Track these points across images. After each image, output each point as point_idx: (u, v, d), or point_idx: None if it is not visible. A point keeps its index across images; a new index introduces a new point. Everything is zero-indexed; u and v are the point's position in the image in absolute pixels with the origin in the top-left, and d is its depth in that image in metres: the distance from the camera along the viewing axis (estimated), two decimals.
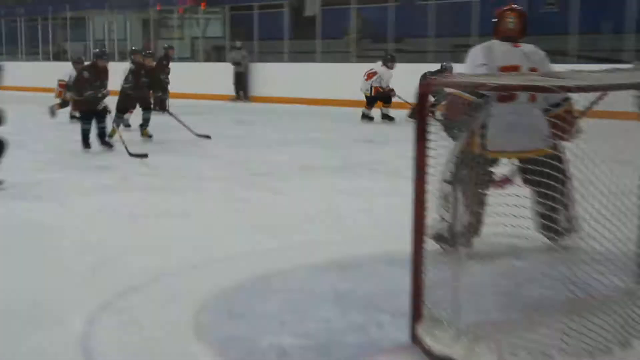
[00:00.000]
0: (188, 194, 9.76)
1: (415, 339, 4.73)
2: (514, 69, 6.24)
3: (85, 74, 13.77)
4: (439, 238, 5.33)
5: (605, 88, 4.99)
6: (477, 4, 20.56)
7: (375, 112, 18.55)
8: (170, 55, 20.09)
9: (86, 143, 13.57)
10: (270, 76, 23.78)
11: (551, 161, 5.13)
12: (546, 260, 5.08)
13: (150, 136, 15.40)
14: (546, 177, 5.07)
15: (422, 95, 4.78)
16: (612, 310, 4.61)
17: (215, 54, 26.65)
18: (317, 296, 5.68)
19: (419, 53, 21.18)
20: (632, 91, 5.17)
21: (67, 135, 15.09)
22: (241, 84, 24.20)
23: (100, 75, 13.71)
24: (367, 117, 18.62)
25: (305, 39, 24.08)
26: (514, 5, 6.69)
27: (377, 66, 18.54)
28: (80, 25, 31.17)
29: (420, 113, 4.80)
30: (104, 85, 13.67)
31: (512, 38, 6.55)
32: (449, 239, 5.50)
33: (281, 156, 13.01)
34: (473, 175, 5.48)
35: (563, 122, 5.64)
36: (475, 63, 6.42)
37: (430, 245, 4.82)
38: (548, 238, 5.79)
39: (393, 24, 22.42)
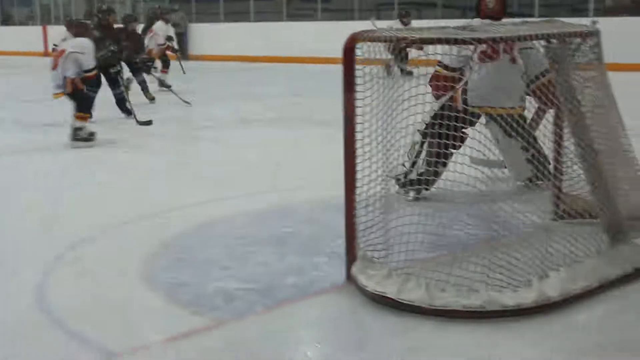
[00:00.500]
0: (134, 149, 9.67)
1: (350, 278, 4.72)
2: None
3: (96, 33, 11.79)
4: (396, 180, 5.33)
5: (517, 39, 5.00)
6: None
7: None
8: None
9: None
10: (207, 36, 23.63)
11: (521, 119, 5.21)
12: (470, 201, 5.08)
13: (153, 98, 14.35)
14: (525, 131, 5.15)
15: (348, 49, 4.73)
16: (531, 246, 4.64)
17: (155, 17, 26.27)
18: (259, 242, 5.64)
19: (346, 11, 21.08)
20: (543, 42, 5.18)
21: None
22: (180, 44, 24.00)
23: (110, 33, 12.45)
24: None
25: (239, 1, 23.87)
26: None
27: (395, 24, 16.84)
28: None
29: (347, 66, 4.75)
30: (115, 43, 12.28)
31: (492, 17, 6.51)
32: (403, 184, 5.53)
33: (220, 110, 12.91)
34: (444, 133, 5.33)
35: (546, 91, 5.63)
36: None
37: (363, 190, 4.80)
38: (533, 181, 5.85)
39: None
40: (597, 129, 5.18)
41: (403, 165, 5.76)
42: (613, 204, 5.02)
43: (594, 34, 5.29)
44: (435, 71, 6.07)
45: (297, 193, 6.93)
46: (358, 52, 4.79)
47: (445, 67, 6.15)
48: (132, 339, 4.24)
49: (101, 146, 9.91)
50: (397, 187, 5.78)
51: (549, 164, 5.56)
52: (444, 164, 5.73)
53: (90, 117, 10.02)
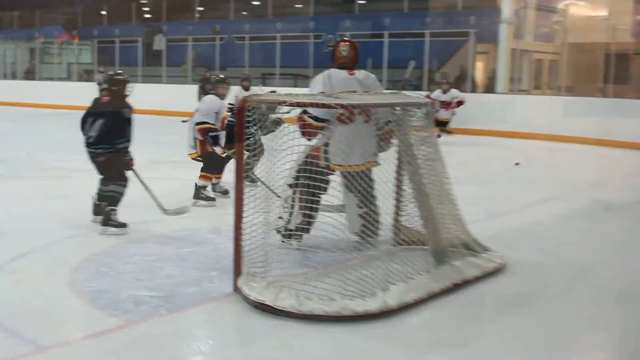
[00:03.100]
0: (63, 181, 9.34)
1: (236, 289, 4.69)
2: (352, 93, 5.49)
3: None
4: (278, 232, 5.14)
5: (368, 106, 5.09)
6: (279, 44, 20.70)
7: None
8: None
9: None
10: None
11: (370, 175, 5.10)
12: (330, 229, 5.11)
13: None
14: (367, 186, 5.08)
15: (240, 109, 4.76)
16: (376, 265, 4.70)
17: (86, 76, 25.76)
18: (164, 259, 5.53)
19: (238, 78, 21.09)
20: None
21: None
22: None
23: None
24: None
25: (154, 66, 23.61)
26: (346, 37, 6.32)
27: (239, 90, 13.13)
28: None
29: (239, 121, 4.77)
30: None
31: (346, 65, 5.75)
32: (285, 234, 5.33)
33: (135, 154, 12.61)
34: (311, 183, 5.12)
35: (388, 136, 5.47)
36: (314, 91, 5.61)
37: (248, 220, 4.78)
38: (362, 234, 5.15)
39: (219, 56, 22.25)
40: (428, 177, 5.31)
41: (281, 218, 5.38)
42: (438, 235, 5.14)
43: (427, 104, 5.44)
44: (303, 118, 5.44)
45: (195, 221, 6.83)
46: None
47: (314, 118, 5.42)
48: (59, 335, 4.14)
49: (40, 180, 9.57)
50: (280, 237, 5.40)
51: (378, 223, 5.23)
52: (316, 210, 5.47)
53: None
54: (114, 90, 6.48)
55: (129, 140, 6.40)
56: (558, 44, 19.34)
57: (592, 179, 9.75)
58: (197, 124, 7.63)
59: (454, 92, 15.27)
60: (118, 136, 6.32)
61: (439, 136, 11.18)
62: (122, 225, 6.31)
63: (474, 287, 4.98)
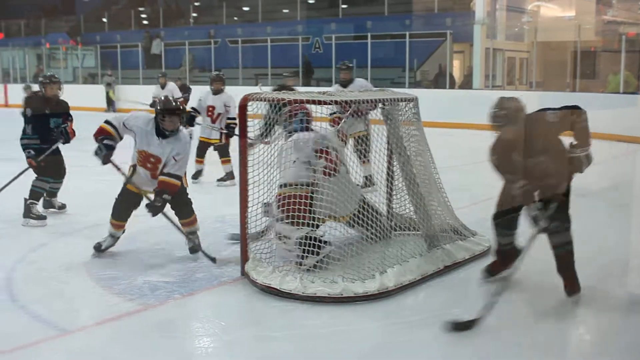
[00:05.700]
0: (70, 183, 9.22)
1: (244, 274, 4.69)
2: None
3: None
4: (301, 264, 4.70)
5: (363, 102, 5.07)
6: (269, 46, 20.64)
7: None
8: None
9: None
10: (130, 95, 23.09)
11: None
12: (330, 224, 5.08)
13: None
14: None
15: (242, 106, 4.73)
16: (374, 251, 4.70)
17: (90, 79, 25.62)
18: (174, 246, 5.48)
19: (233, 79, 21.06)
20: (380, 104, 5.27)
21: None
22: (110, 100, 23.23)
23: None
24: None
25: (154, 69, 23.47)
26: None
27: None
28: None
29: (241, 118, 4.75)
30: None
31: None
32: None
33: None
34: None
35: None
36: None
37: (253, 209, 4.76)
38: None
39: (213, 59, 22.18)
40: (418, 166, 5.30)
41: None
42: (429, 220, 5.13)
43: (414, 99, 5.42)
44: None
45: (202, 211, 6.75)
46: (249, 108, 4.80)
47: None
48: (80, 320, 4.13)
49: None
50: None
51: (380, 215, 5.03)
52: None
53: None
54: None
55: (24, 138, 6.40)
56: (528, 42, 19.37)
57: None
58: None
59: (361, 82, 8.12)
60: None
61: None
62: (42, 217, 6.33)
63: (464, 269, 5.00)
